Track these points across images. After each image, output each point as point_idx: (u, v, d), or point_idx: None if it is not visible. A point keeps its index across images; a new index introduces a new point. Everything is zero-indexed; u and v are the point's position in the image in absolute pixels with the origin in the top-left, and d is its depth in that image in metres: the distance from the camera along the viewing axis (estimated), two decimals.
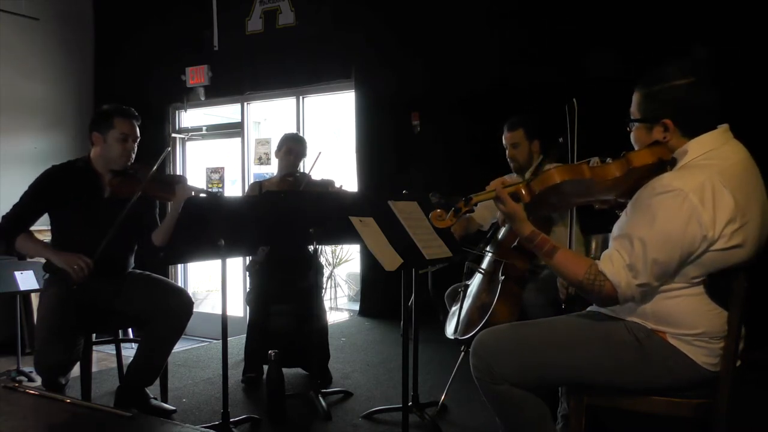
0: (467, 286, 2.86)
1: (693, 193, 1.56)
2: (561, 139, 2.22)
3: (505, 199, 1.76)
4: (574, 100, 2.04)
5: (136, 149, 2.85)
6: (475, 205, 1.82)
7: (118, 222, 2.62)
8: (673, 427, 1.87)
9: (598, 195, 1.83)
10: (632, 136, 1.80)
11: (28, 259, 5.22)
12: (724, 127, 1.70)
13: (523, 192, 1.77)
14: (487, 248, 2.90)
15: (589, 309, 1.89)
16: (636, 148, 1.78)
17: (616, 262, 1.61)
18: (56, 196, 2.72)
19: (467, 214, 1.98)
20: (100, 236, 2.62)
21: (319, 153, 3.44)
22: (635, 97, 1.77)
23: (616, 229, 1.71)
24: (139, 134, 2.86)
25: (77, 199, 2.74)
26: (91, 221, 2.68)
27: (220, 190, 6.30)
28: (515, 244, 2.73)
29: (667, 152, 1.70)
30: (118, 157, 2.77)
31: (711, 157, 1.64)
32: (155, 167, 2.72)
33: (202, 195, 2.89)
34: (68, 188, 2.74)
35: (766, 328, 2.65)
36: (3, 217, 2.72)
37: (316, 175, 3.56)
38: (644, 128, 1.75)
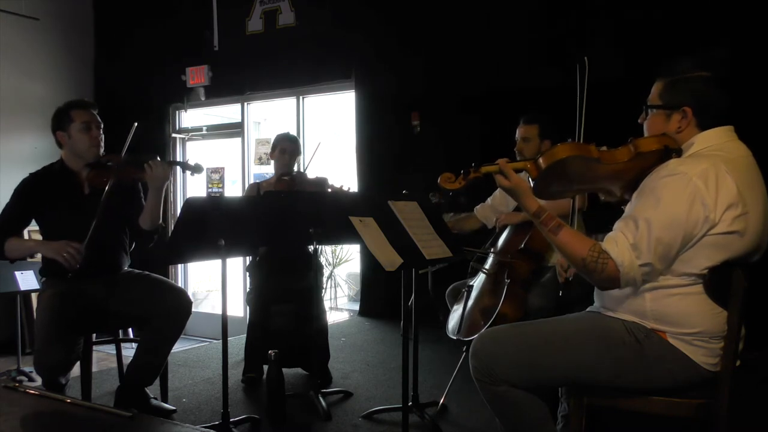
0: (471, 286, 2.85)
1: (697, 176, 1.59)
2: (570, 140, 2.21)
3: (509, 172, 1.77)
4: (586, 58, 2.04)
5: (103, 136, 2.82)
6: (484, 174, 1.81)
7: (99, 213, 2.59)
8: (673, 427, 1.87)
9: (603, 182, 1.84)
10: (646, 124, 1.82)
11: (29, 259, 5.22)
12: (729, 127, 1.74)
13: (530, 167, 1.77)
14: (492, 249, 2.90)
15: (588, 309, 1.90)
16: (647, 135, 1.80)
17: (620, 242, 1.62)
18: (37, 202, 2.72)
19: (476, 193, 1.98)
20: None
21: (319, 143, 3.47)
22: (657, 86, 1.80)
23: (622, 216, 1.72)
24: (100, 120, 2.83)
25: (59, 202, 2.73)
26: (77, 221, 2.65)
27: (220, 190, 6.30)
28: (522, 246, 2.72)
29: (674, 142, 1.74)
30: (87, 148, 2.76)
31: (716, 149, 1.68)
32: (125, 147, 2.69)
33: (182, 170, 2.88)
34: (48, 193, 2.73)
35: (766, 328, 2.65)
36: None
37: (312, 172, 3.58)
38: (663, 115, 1.77)
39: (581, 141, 2.20)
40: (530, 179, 1.82)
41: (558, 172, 1.76)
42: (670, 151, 1.71)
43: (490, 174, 1.81)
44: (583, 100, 2.18)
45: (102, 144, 2.81)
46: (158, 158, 2.77)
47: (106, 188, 2.63)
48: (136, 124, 2.71)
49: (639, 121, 1.85)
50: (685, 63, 1.75)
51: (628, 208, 1.72)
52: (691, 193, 1.59)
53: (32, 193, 2.73)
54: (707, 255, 1.62)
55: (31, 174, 2.80)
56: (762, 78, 3.56)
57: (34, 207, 2.73)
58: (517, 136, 3.09)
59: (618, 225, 1.67)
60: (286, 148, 3.57)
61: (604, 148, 1.80)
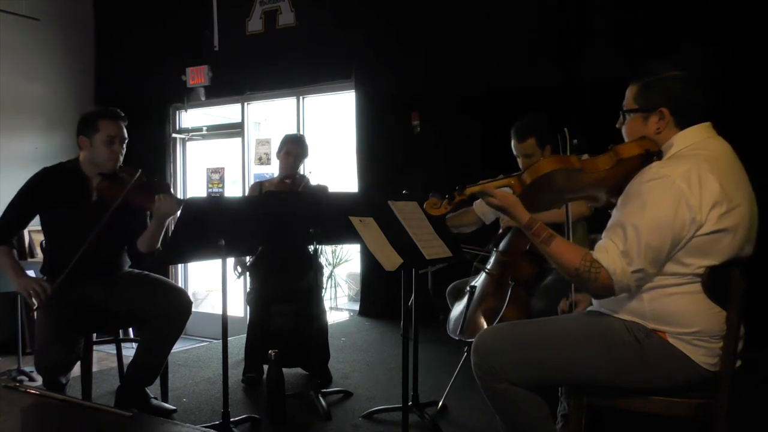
0: (475, 287, 2.84)
1: (680, 178, 1.61)
2: (576, 141, 2.20)
3: (492, 191, 1.77)
4: (566, 129, 2.07)
5: (124, 150, 2.81)
6: (470, 196, 1.81)
7: (97, 228, 2.58)
8: (673, 427, 1.87)
9: (588, 190, 1.85)
10: (625, 128, 1.84)
11: (29, 259, 5.23)
12: (707, 124, 1.75)
13: (514, 183, 1.78)
14: (496, 250, 2.89)
15: (589, 309, 1.90)
16: (627, 141, 1.82)
17: (610, 250, 1.63)
18: (45, 198, 2.72)
19: (465, 207, 1.99)
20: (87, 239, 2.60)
21: (310, 172, 3.49)
22: (631, 90, 1.82)
23: (609, 223, 1.73)
24: (126, 135, 2.81)
25: (65, 202, 2.73)
26: (79, 224, 2.65)
27: (220, 190, 6.31)
28: (527, 248, 2.72)
29: (654, 144, 1.75)
30: (106, 161, 2.74)
31: (697, 148, 1.69)
32: (135, 178, 2.69)
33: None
34: (57, 191, 2.73)
35: (766, 328, 2.66)
36: None
37: (315, 179, 3.58)
38: (640, 118, 1.78)
39: None
40: (515, 195, 1.81)
41: (542, 186, 1.77)
42: (651, 154, 1.73)
43: (475, 195, 1.81)
44: None
45: (121, 158, 2.80)
46: (171, 190, 2.79)
47: (113, 205, 2.62)
48: (140, 170, 2.70)
49: (617, 125, 1.87)
50: (657, 64, 1.77)
51: (614, 215, 1.73)
52: (675, 195, 1.60)
53: (42, 188, 2.74)
54: (698, 255, 1.63)
55: (44, 168, 2.80)
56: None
57: (41, 202, 2.73)
58: (515, 153, 2.94)
59: (607, 233, 1.68)
60: (292, 150, 3.56)
61: (586, 156, 1.81)
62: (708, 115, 1.75)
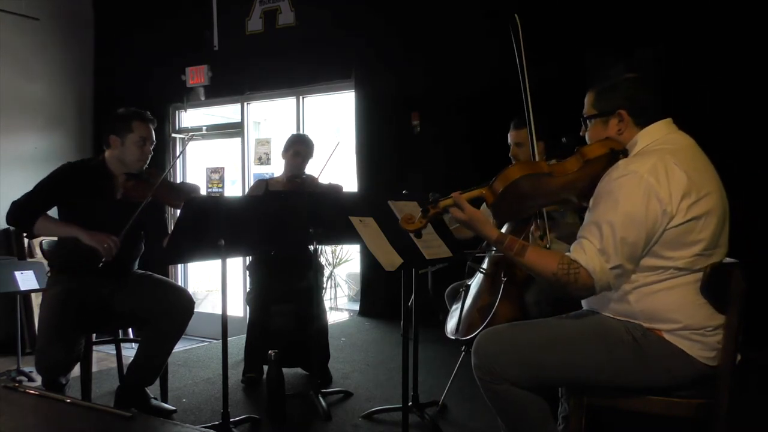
0: (469, 286, 2.85)
1: (648, 173, 1.64)
2: (564, 139, 2.21)
3: (463, 204, 1.77)
4: (516, 15, 2.09)
5: (152, 153, 2.88)
6: (444, 209, 1.80)
7: (130, 224, 2.63)
8: (673, 427, 1.87)
9: (560, 194, 1.87)
10: (588, 135, 1.88)
11: (28, 259, 5.23)
12: (668, 120, 1.80)
13: (486, 193, 1.78)
14: (491, 249, 2.89)
15: (586, 308, 1.90)
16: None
17: (588, 250, 1.65)
18: (69, 192, 2.74)
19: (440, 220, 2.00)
20: None
21: (338, 143, 3.45)
22: (589, 98, 1.87)
23: (583, 223, 1.75)
24: (155, 138, 2.89)
25: (88, 198, 2.75)
26: (99, 221, 2.68)
27: (220, 190, 6.30)
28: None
29: (618, 143, 1.79)
30: (135, 161, 2.81)
31: (661, 143, 1.74)
32: (166, 172, 2.78)
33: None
34: (81, 186, 2.76)
35: (766, 328, 2.65)
36: (13, 203, 2.71)
37: (325, 178, 3.56)
38: (600, 123, 1.83)
39: (529, 102, 2.22)
40: (487, 205, 1.82)
41: (513, 193, 1.78)
42: (617, 153, 1.77)
43: (448, 207, 1.79)
44: (523, 61, 2.21)
45: (148, 160, 2.87)
46: (199, 189, 2.89)
47: (143, 203, 2.66)
48: (180, 150, 2.79)
49: (581, 134, 1.91)
50: (610, 72, 1.82)
51: (587, 216, 1.74)
52: (645, 190, 1.63)
53: (69, 181, 2.76)
54: (675, 247, 1.65)
55: (68, 162, 2.84)
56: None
57: (65, 194, 2.75)
58: (509, 141, 3.04)
59: (582, 233, 1.70)
60: (300, 151, 3.56)
61: (554, 161, 1.83)
62: (666, 111, 1.80)
